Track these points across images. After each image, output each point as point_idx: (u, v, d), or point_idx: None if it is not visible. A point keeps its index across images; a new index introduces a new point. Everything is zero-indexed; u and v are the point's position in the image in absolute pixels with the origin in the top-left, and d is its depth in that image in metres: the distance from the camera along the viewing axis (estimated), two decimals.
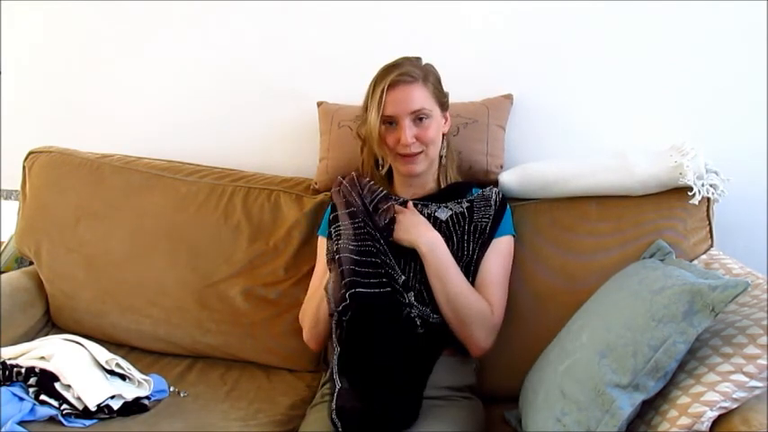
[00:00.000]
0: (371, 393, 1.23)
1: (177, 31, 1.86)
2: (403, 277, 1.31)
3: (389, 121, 1.36)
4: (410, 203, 1.42)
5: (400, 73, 1.33)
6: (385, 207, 1.39)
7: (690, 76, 1.61)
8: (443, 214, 1.41)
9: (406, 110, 1.34)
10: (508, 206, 1.46)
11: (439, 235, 1.36)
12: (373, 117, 1.34)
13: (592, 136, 1.67)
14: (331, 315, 1.30)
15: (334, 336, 1.30)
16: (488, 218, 1.40)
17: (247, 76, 1.83)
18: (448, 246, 1.36)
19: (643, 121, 1.64)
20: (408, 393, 1.25)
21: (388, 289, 1.28)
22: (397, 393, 1.24)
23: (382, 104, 1.33)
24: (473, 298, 1.33)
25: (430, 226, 1.37)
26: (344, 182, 1.44)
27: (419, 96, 1.35)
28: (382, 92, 1.32)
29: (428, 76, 1.38)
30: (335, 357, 1.29)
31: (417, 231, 1.35)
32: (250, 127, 1.85)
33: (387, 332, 1.27)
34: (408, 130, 1.35)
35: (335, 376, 1.26)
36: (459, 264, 1.35)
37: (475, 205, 1.42)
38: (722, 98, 1.60)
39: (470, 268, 1.37)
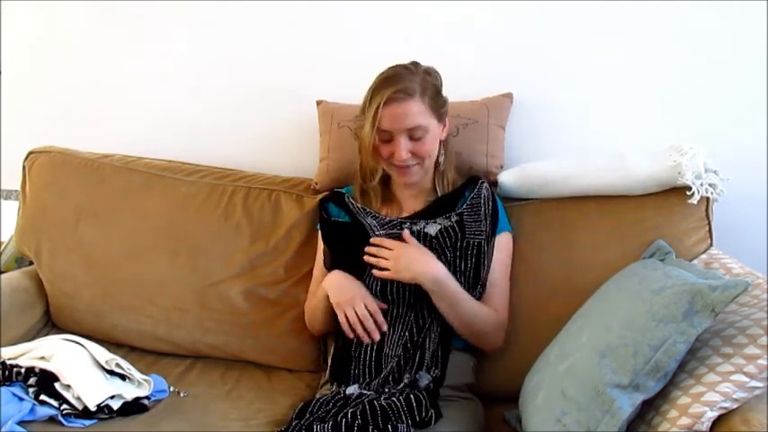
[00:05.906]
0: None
1: (177, 31, 1.86)
2: None
3: (385, 137, 1.35)
4: (406, 233, 1.37)
5: (397, 90, 1.30)
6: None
7: (690, 75, 1.61)
8: (432, 229, 1.39)
9: (401, 127, 1.33)
10: (499, 203, 1.46)
11: (441, 266, 1.33)
12: (367, 129, 1.33)
13: (592, 136, 1.67)
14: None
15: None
16: (481, 233, 1.39)
17: (247, 75, 1.83)
18: (440, 260, 1.34)
19: (643, 121, 1.65)
20: None
21: None
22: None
23: (377, 119, 1.31)
24: (483, 313, 1.35)
25: (431, 258, 1.34)
26: None
27: (415, 113, 1.32)
28: (378, 106, 1.30)
29: (426, 88, 1.34)
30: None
31: (418, 268, 1.32)
32: (250, 127, 1.84)
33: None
34: (403, 146, 1.34)
35: None
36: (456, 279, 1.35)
37: (465, 219, 1.40)
38: (722, 98, 1.60)
39: (474, 282, 1.37)
